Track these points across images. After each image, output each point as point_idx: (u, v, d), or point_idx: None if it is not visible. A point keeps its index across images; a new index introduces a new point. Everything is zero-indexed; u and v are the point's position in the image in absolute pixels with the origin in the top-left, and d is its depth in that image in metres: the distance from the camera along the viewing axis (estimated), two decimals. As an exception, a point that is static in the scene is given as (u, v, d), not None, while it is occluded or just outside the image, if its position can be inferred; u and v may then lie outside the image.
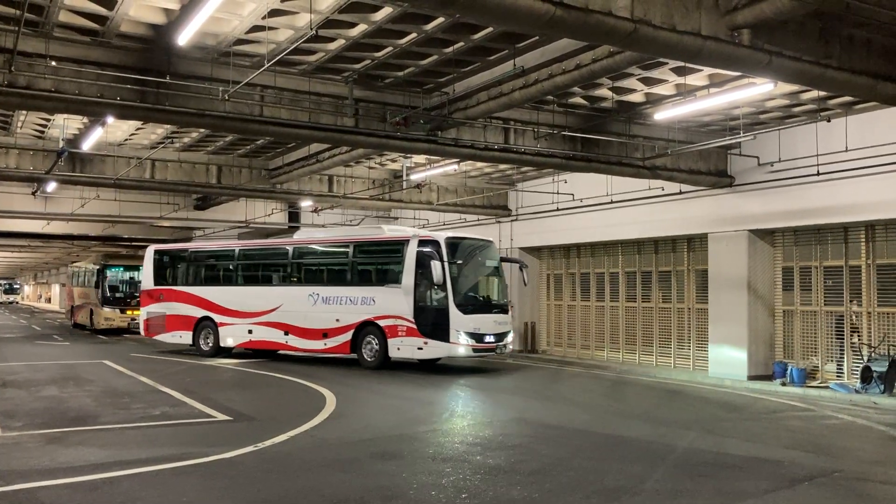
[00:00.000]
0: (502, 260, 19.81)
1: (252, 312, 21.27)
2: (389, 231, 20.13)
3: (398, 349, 18.18)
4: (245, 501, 7.05)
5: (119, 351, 23.72)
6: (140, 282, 34.80)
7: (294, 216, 30.34)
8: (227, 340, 21.84)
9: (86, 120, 16.84)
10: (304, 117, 13.74)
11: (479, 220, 26.55)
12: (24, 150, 19.42)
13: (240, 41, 12.28)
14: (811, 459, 9.03)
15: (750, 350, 17.68)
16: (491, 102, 13.20)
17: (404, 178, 22.25)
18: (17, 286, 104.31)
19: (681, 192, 18.89)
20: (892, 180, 14.71)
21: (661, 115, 14.65)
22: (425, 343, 17.74)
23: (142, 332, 24.58)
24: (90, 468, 8.00)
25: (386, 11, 10.98)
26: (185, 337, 22.87)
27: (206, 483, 7.63)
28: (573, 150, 16.46)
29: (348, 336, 19.01)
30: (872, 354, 15.52)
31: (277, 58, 11.51)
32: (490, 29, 11.49)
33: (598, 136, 16.23)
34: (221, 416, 11.56)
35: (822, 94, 13.95)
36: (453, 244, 18.10)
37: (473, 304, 18.15)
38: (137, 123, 17.86)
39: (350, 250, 19.94)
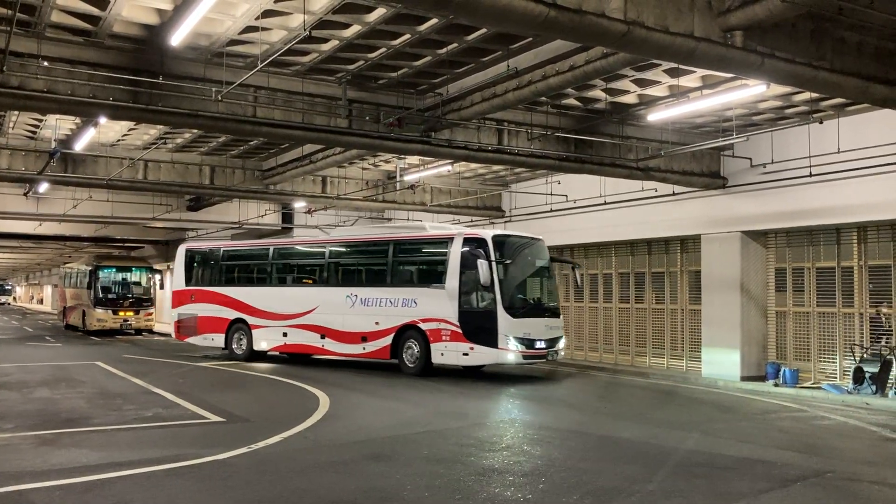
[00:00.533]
0: (552, 260, 18.64)
1: (287, 314, 20.34)
2: (432, 229, 18.81)
3: (441, 355, 17.03)
4: (238, 503, 7.03)
5: (111, 352, 23.64)
6: (135, 283, 35.13)
7: (287, 217, 30.29)
8: (261, 344, 20.93)
9: (78, 120, 16.78)
10: (298, 118, 13.72)
11: (472, 221, 26.56)
12: (16, 150, 19.35)
13: (233, 42, 12.26)
14: (804, 460, 9.06)
15: (743, 351, 17.73)
16: (484, 103, 13.21)
17: (398, 179, 22.27)
18: (9, 287, 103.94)
19: (674, 194, 18.93)
20: (884, 182, 14.78)
21: (655, 116, 14.69)
22: (471, 349, 16.54)
23: (172, 335, 23.78)
24: (83, 470, 7.96)
25: (379, 12, 10.98)
26: (217, 340, 21.90)
27: (199, 485, 7.60)
28: (567, 152, 16.48)
29: (388, 340, 17.98)
30: (864, 355, 15.57)
31: (271, 58, 11.50)
32: (484, 30, 11.50)
33: (591, 137, 16.26)
34: (214, 418, 11.52)
35: (815, 95, 14.00)
36: (501, 242, 16.93)
37: (523, 306, 17.08)
38: (130, 124, 17.81)
39: (390, 249, 18.82)
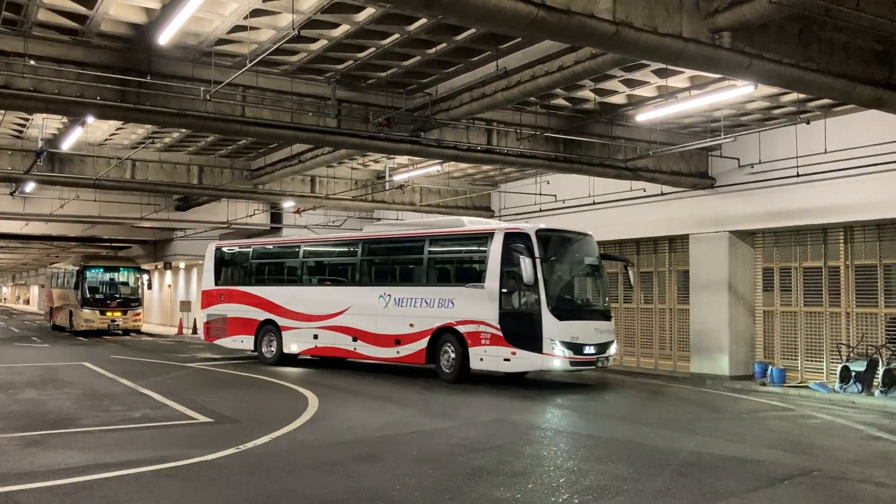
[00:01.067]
0: (603, 257, 17.05)
1: (317, 315, 19.17)
2: (471, 223, 17.32)
3: (480, 360, 15.66)
4: (227, 503, 7.02)
5: (99, 353, 23.52)
6: (123, 284, 34.96)
7: (276, 217, 30.23)
8: (291, 346, 19.78)
9: (65, 119, 16.68)
10: (287, 118, 13.69)
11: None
12: (3, 149, 19.22)
13: (221, 41, 12.22)
14: (791, 458, 9.11)
15: (731, 350, 17.82)
16: (474, 103, 13.22)
17: (387, 178, 22.24)
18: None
19: (662, 194, 19.00)
20: (870, 182, 14.88)
21: (643, 116, 14.74)
22: (513, 354, 15.12)
23: (202, 337, 22.76)
24: (70, 471, 7.92)
25: (369, 12, 10.97)
26: (246, 342, 20.87)
27: (187, 485, 7.58)
28: (556, 152, 16.52)
29: (423, 343, 16.67)
30: (851, 354, 15.67)
31: (259, 58, 11.47)
32: (473, 30, 11.51)
33: (580, 137, 16.30)
34: (203, 418, 11.48)
35: (802, 96, 14.09)
36: (545, 237, 15.44)
37: (570, 308, 15.65)
38: (118, 123, 17.72)
39: (425, 246, 17.44)
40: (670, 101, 14.18)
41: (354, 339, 18.23)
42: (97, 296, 33.70)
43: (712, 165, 18.25)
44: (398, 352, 17.31)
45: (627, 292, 21.66)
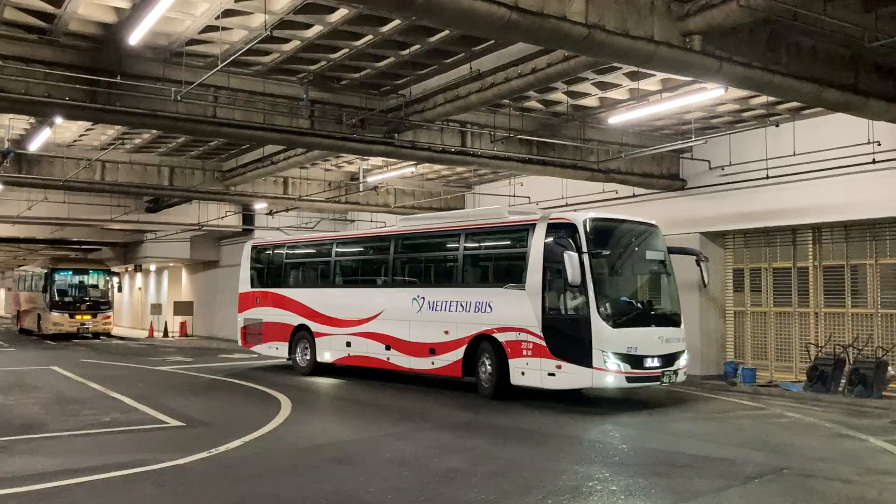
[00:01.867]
0: (672, 251, 14.37)
1: (350, 320, 17.11)
2: (511, 214, 15.01)
3: (522, 374, 13.45)
4: (199, 508, 6.94)
5: (68, 357, 23.19)
6: (92, 286, 34.50)
7: (248, 219, 30.00)
8: (325, 354, 17.81)
9: (33, 120, 16.43)
10: (259, 118, 13.60)
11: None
12: (-32, 150, 18.88)
13: (192, 41, 12.11)
14: (761, 457, 9.22)
15: (702, 350, 17.99)
16: (448, 105, 13.24)
17: (361, 180, 22.17)
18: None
19: (634, 195, 19.14)
20: (838, 184, 15.12)
21: (615, 119, 14.87)
22: (558, 367, 12.88)
23: (239, 342, 21.03)
24: (38, 477, 7.79)
25: (342, 13, 10.94)
26: (281, 349, 19.03)
27: (158, 490, 7.49)
28: (529, 153, 16.58)
29: (459, 353, 14.48)
30: (819, 354, 15.90)
31: (231, 58, 11.39)
32: (447, 32, 11.52)
33: (553, 139, 16.38)
34: (174, 422, 11.36)
35: (771, 99, 14.27)
36: (597, 228, 13.15)
37: (627, 313, 13.03)
38: (87, 124, 17.49)
39: (460, 241, 15.21)
40: (642, 103, 14.30)
41: (387, 348, 15.99)
42: (66, 299, 33.24)
43: (683, 167, 18.43)
44: (433, 362, 15.05)
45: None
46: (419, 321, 15.42)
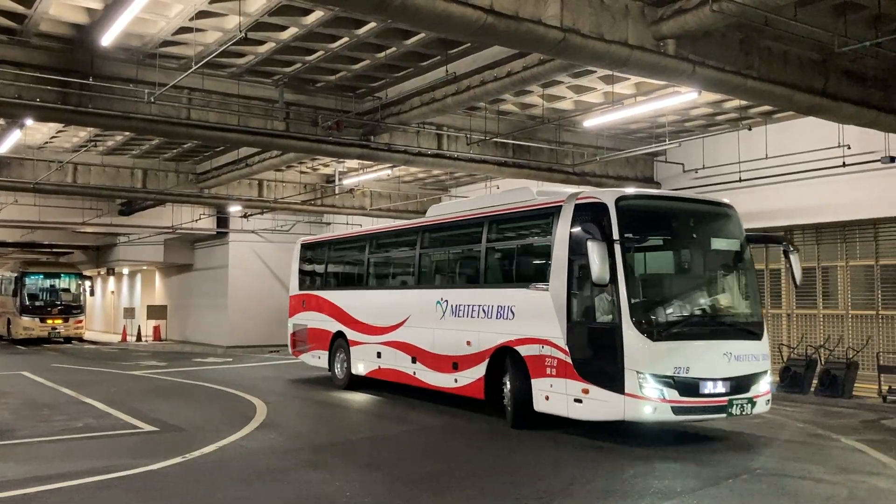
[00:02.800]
0: (751, 239, 11.00)
1: (380, 327, 14.64)
2: (541, 194, 11.73)
3: (546, 399, 10.44)
4: (172, 514, 6.87)
5: (39, 361, 22.85)
6: (64, 290, 34.06)
7: (223, 221, 29.80)
8: (359, 366, 15.35)
9: (2, 121, 16.20)
10: (233, 121, 13.53)
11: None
12: (-64, 152, 18.58)
13: (166, 42, 12.02)
14: (734, 457, 9.30)
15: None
16: (424, 108, 13.25)
17: (337, 182, 22.11)
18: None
19: (610, 198, 19.20)
20: (809, 187, 15.33)
21: (590, 122, 14.96)
22: (584, 392, 9.83)
23: (289, 349, 19.22)
24: (7, 485, 7.66)
25: (317, 15, 10.91)
26: (322, 359, 16.78)
27: (131, 496, 7.40)
28: (505, 156, 16.63)
29: (481, 369, 11.71)
30: (792, 355, 16.09)
31: (205, 60, 11.31)
32: (422, 34, 11.53)
33: (529, 142, 16.45)
34: (147, 427, 11.24)
35: (744, 103, 14.44)
36: (636, 210, 10.06)
37: (676, 322, 9.89)
38: (59, 126, 17.28)
39: (483, 231, 12.30)
40: (617, 107, 14.40)
41: (413, 361, 13.47)
42: (37, 303, 32.82)
43: (657, 170, 18.57)
44: (455, 380, 12.35)
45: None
46: (442, 329, 12.75)
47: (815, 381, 14.95)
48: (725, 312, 10.57)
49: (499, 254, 12.51)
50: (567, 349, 10.16)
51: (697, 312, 10.30)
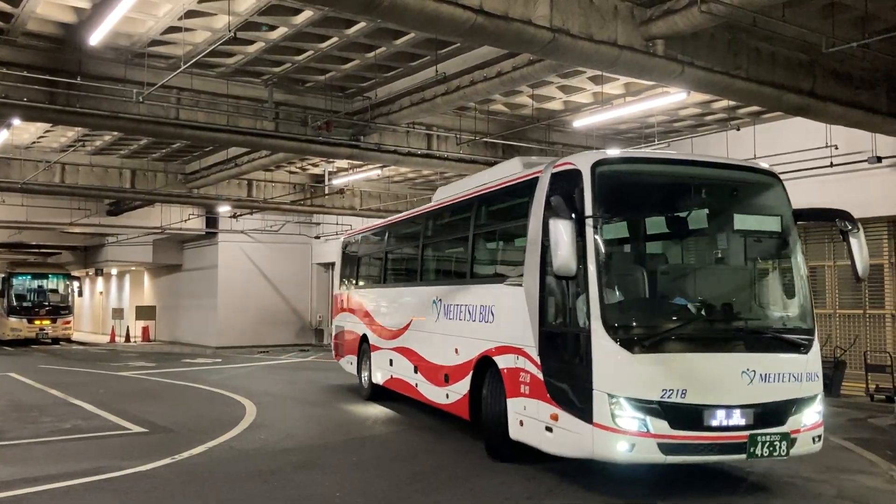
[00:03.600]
0: (801, 216, 8.30)
1: (392, 330, 12.86)
2: (528, 166, 9.15)
3: (520, 423, 8.29)
4: (162, 516, 6.84)
5: (26, 362, 22.72)
6: (52, 291, 33.87)
7: (212, 222, 29.71)
8: (377, 375, 13.57)
9: (-11, 121, 16.09)
10: (222, 120, 13.49)
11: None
12: (-78, 152, 18.47)
13: (155, 42, 11.97)
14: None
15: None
16: (414, 108, 13.25)
17: (326, 182, 22.09)
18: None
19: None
20: (796, 187, 15.24)
21: (580, 122, 14.99)
22: (554, 418, 7.61)
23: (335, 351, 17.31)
24: (-6, 486, 7.62)
25: (307, 15, 10.89)
26: (353, 364, 15.11)
27: (119, 498, 7.37)
28: (495, 156, 16.65)
29: (466, 384, 9.68)
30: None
31: (194, 60, 11.26)
32: (412, 35, 11.53)
33: (518, 142, 16.47)
34: (136, 429, 11.19)
35: (732, 103, 14.50)
36: (619, 178, 7.55)
37: (666, 326, 7.38)
38: (46, 126, 17.18)
39: (472, 215, 10.23)
40: (606, 107, 14.44)
41: (415, 370, 11.70)
42: (24, 303, 32.66)
43: (647, 170, 18.62)
44: (447, 395, 10.40)
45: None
46: (437, 334, 10.90)
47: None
48: (748, 315, 7.87)
49: (482, 242, 10.48)
50: (539, 360, 7.91)
51: (703, 314, 7.53)
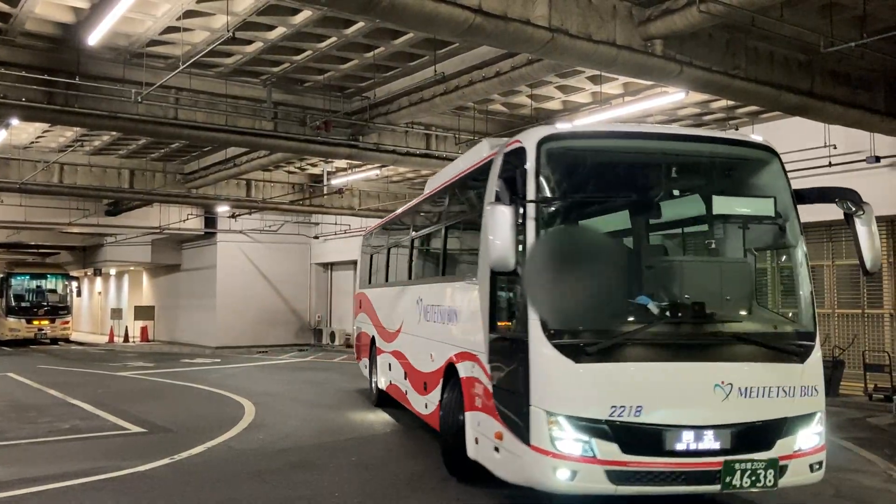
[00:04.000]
0: (803, 197, 6.96)
1: (390, 332, 12.08)
2: (494, 145, 7.83)
3: (476, 440, 7.32)
4: (160, 516, 6.84)
5: (25, 363, 22.71)
6: (50, 291, 33.86)
7: (210, 221, 29.70)
8: (381, 379, 12.78)
9: (-12, 121, 16.09)
10: (221, 120, 13.49)
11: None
12: (-80, 152, 18.46)
13: (154, 42, 11.96)
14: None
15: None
16: (412, 108, 13.25)
17: (325, 182, 22.08)
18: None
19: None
20: (795, 186, 15.38)
21: (578, 122, 14.97)
22: (498, 437, 6.66)
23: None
24: (-7, 487, 7.62)
25: (305, 14, 10.89)
26: (367, 367, 14.20)
27: (118, 498, 7.37)
28: (493, 156, 16.65)
29: (438, 394, 8.73)
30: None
31: (193, 59, 11.25)
32: (411, 34, 11.52)
33: (517, 142, 16.46)
34: (135, 429, 11.19)
35: (731, 103, 14.50)
36: (571, 156, 6.56)
37: (617, 329, 6.10)
38: (45, 125, 17.17)
39: (445, 203, 9.59)
40: (604, 107, 14.44)
41: (405, 377, 10.82)
42: (23, 304, 32.67)
43: (646, 170, 18.62)
44: (426, 405, 9.51)
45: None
46: (420, 337, 9.99)
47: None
48: (728, 316, 6.47)
49: (452, 235, 9.34)
50: (489, 370, 6.95)
51: (668, 315, 6.25)
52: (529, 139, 6.46)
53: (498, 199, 6.26)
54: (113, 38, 11.64)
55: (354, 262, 29.29)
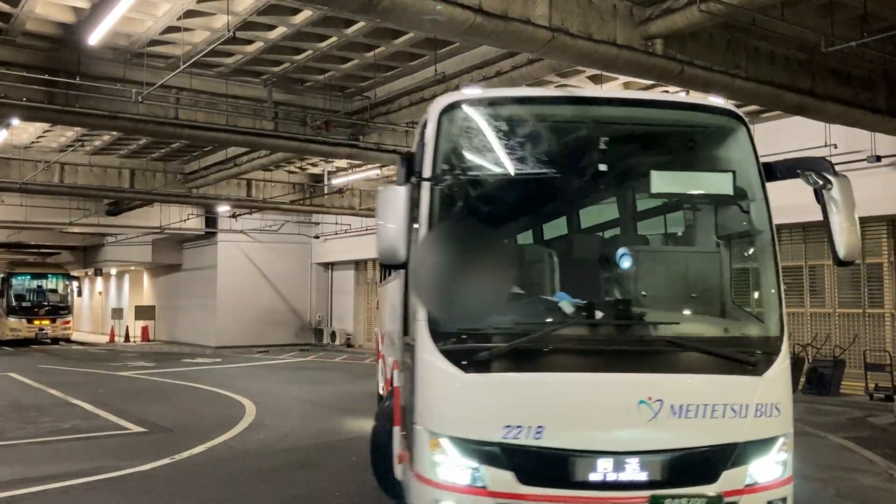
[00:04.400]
0: (773, 174, 6.13)
1: (386, 333, 10.68)
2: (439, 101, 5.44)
3: (399, 459, 5.99)
4: (161, 515, 6.84)
5: (26, 363, 22.71)
6: (51, 291, 33.86)
7: (211, 221, 29.69)
8: (381, 383, 11.42)
9: (-12, 121, 16.09)
10: (222, 120, 13.49)
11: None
12: (-79, 152, 18.46)
13: (154, 42, 11.97)
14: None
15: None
16: (413, 107, 13.25)
17: (325, 182, 22.08)
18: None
19: (598, 198, 19.22)
20: (796, 186, 15.28)
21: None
22: (401, 459, 5.79)
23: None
24: (-6, 486, 7.62)
25: (305, 14, 10.89)
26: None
27: (118, 498, 7.37)
28: (494, 156, 16.65)
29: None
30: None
31: (193, 59, 11.26)
32: (411, 34, 11.52)
33: (518, 141, 16.46)
34: (136, 428, 11.19)
35: (731, 102, 14.47)
36: (473, 125, 5.17)
37: (517, 331, 4.78)
38: (45, 125, 17.17)
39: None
40: (605, 106, 14.43)
41: (384, 383, 10.21)
42: (24, 304, 32.66)
43: (646, 170, 18.61)
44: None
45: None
46: (388, 338, 9.08)
47: (802, 380, 15.04)
48: (662, 316, 5.14)
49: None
50: (401, 380, 6.07)
51: (583, 315, 4.97)
52: (434, 107, 5.25)
53: (392, 181, 5.35)
54: (113, 38, 11.64)
55: (355, 262, 29.44)
